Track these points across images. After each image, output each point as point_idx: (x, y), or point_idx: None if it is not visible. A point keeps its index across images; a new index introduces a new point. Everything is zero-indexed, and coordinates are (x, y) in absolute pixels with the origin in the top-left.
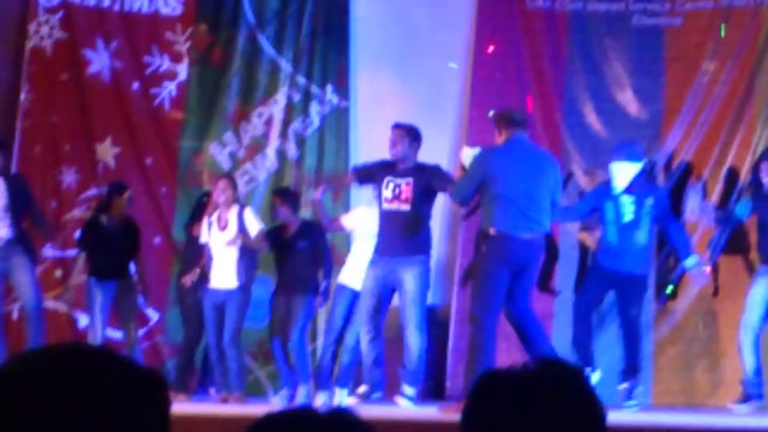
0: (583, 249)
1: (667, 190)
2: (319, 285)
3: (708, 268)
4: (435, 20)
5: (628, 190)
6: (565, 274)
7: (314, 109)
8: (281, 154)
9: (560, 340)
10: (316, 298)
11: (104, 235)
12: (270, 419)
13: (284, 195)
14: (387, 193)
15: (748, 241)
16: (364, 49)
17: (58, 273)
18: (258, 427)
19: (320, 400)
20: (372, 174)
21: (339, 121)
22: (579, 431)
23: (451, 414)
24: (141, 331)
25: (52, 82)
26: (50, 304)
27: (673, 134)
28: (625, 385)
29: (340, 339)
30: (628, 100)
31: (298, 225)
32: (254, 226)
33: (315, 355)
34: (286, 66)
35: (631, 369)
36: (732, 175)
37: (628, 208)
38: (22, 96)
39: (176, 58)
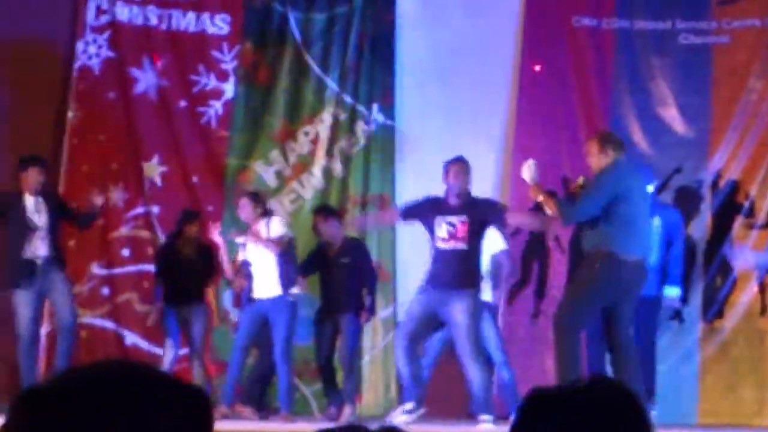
0: None
1: (678, 212)
2: (365, 301)
3: (755, 288)
4: (480, 39)
5: None
6: None
7: (360, 127)
8: (327, 173)
9: None
10: (362, 314)
11: (175, 264)
12: None
13: (325, 212)
14: (441, 233)
15: None
16: (410, 68)
17: (105, 291)
18: None
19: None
20: (420, 212)
21: (385, 139)
22: None
23: None
24: (186, 351)
25: (100, 101)
26: (97, 321)
27: (720, 153)
28: None
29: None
30: (674, 118)
31: (341, 242)
32: (278, 230)
33: (359, 372)
34: (332, 85)
35: (646, 393)
36: None
37: None
38: (70, 114)
39: (222, 77)
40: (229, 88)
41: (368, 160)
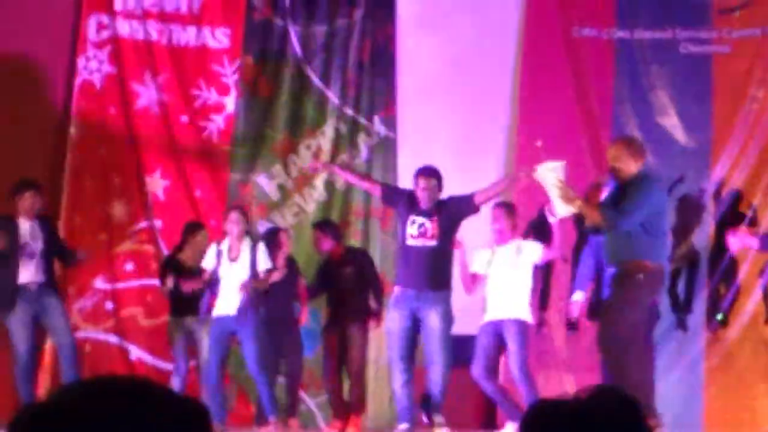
0: None
1: None
2: (371, 310)
3: (759, 296)
4: (481, 50)
5: None
6: None
7: (361, 140)
8: (329, 186)
9: None
10: (370, 321)
11: (181, 275)
12: None
13: (324, 226)
14: (412, 230)
15: None
16: (411, 80)
17: (109, 305)
18: None
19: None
20: (397, 201)
21: (386, 151)
22: None
23: None
24: (192, 363)
25: (101, 116)
26: (101, 335)
27: (722, 162)
28: None
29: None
30: (675, 127)
31: (342, 252)
32: (264, 263)
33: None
34: (333, 97)
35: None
36: None
37: None
38: (72, 130)
39: (224, 91)
40: (230, 102)
41: (370, 173)
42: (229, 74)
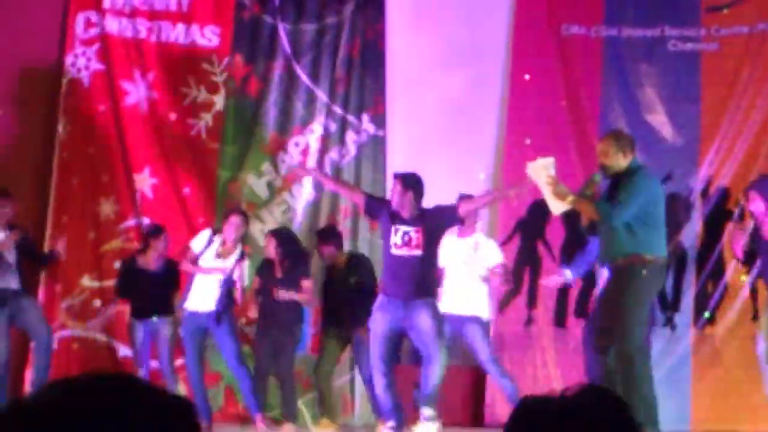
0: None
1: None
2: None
3: (747, 293)
4: (471, 47)
5: None
6: None
7: (350, 138)
8: (319, 184)
9: None
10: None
11: (143, 278)
12: None
13: (326, 235)
14: (396, 239)
15: None
16: (401, 78)
17: (97, 303)
18: None
19: None
20: (380, 212)
21: (375, 149)
22: None
23: None
24: (180, 361)
25: (90, 114)
26: (89, 333)
27: (710, 160)
28: None
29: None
30: (663, 125)
31: (346, 259)
32: (246, 280)
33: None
34: (322, 95)
35: None
36: None
37: None
38: (60, 128)
39: (213, 89)
40: (219, 100)
41: (359, 171)
42: (219, 72)
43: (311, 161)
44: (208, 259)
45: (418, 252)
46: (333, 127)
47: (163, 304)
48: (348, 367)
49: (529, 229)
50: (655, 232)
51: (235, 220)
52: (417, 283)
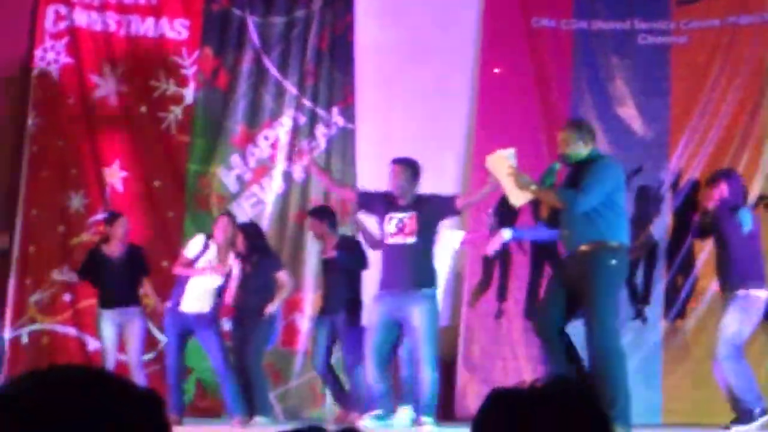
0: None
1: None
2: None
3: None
4: (440, 40)
5: None
6: None
7: (320, 131)
8: (288, 177)
9: None
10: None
11: (107, 266)
12: None
13: (320, 213)
14: (390, 227)
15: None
16: (370, 70)
17: (67, 297)
18: None
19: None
20: (374, 204)
21: (345, 142)
22: None
23: None
24: (150, 355)
25: (59, 107)
26: (59, 327)
27: (680, 153)
28: None
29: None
30: (634, 118)
31: (336, 241)
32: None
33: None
34: (291, 88)
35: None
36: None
37: None
38: (29, 121)
39: (182, 82)
40: (188, 94)
41: (329, 164)
42: (188, 66)
43: (281, 154)
44: (204, 264)
45: (412, 239)
46: (302, 120)
47: (130, 292)
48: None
49: (498, 222)
50: (620, 219)
51: (221, 222)
52: (413, 272)
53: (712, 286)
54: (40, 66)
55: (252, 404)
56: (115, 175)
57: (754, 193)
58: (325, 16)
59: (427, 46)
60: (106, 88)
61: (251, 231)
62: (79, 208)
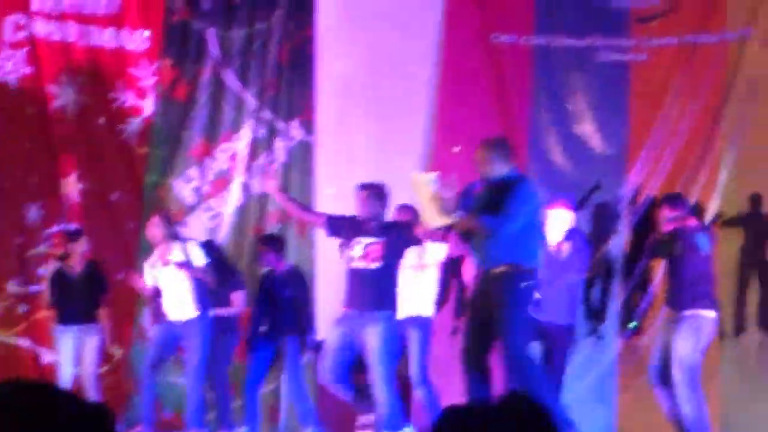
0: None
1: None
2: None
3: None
4: (400, 54)
5: None
6: None
7: (279, 144)
8: (246, 189)
9: None
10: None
11: (67, 283)
12: None
13: (268, 241)
14: (356, 252)
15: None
16: (330, 83)
17: (22, 308)
18: None
19: None
20: (343, 229)
21: (304, 155)
22: None
23: None
24: (105, 368)
25: (17, 117)
26: (12, 340)
27: (638, 169)
28: None
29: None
30: (592, 135)
31: (284, 270)
32: (200, 259)
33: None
34: (250, 101)
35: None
36: (697, 212)
37: None
38: None
39: (141, 94)
40: (148, 105)
41: (288, 176)
42: (147, 77)
43: (239, 167)
44: (163, 276)
45: (376, 265)
46: (261, 132)
47: (89, 309)
48: (274, 375)
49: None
50: (533, 242)
51: (154, 220)
52: (373, 294)
53: None
54: None
55: (218, 418)
56: (73, 186)
57: (710, 212)
58: (286, 29)
59: (387, 60)
60: (64, 98)
61: (210, 248)
62: (36, 220)
